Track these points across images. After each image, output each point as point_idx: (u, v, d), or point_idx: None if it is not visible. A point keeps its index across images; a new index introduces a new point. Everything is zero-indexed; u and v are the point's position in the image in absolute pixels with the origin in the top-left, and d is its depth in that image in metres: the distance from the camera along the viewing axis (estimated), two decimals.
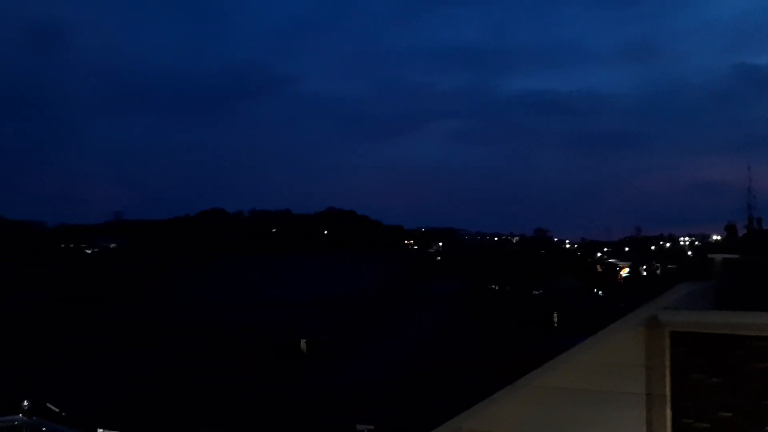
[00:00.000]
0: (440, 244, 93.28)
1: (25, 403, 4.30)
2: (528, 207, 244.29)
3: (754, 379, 6.92)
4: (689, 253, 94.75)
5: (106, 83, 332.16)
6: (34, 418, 4.23)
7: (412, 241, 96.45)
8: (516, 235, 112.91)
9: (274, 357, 21.99)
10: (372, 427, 18.02)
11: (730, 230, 19.77)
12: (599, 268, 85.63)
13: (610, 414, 8.79)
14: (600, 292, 53.85)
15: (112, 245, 75.98)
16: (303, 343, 24.30)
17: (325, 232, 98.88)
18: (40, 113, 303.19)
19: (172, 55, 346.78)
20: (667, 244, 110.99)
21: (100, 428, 23.68)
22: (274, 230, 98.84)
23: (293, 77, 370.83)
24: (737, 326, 7.11)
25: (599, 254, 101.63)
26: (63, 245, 74.31)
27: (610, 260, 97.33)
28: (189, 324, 24.53)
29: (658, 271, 70.24)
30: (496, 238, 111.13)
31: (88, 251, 73.86)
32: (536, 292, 49.69)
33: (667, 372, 7.78)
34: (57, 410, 23.84)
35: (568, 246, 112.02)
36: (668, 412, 7.71)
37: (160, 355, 23.44)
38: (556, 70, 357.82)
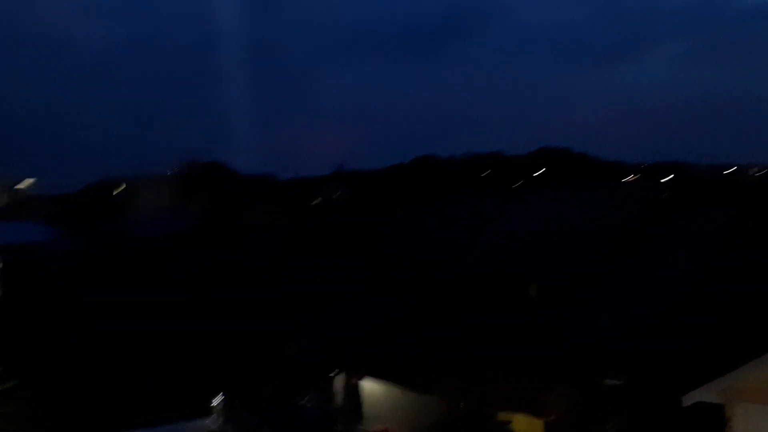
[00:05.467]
0: (671, 177, 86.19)
1: (217, 401, 3.12)
2: None
3: None
4: None
5: (326, 35, 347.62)
6: (228, 423, 3.07)
7: (633, 177, 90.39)
8: (756, 165, 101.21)
9: (520, 300, 21.30)
10: (621, 382, 16.68)
11: None
12: None
13: None
14: None
15: (336, 195, 79.97)
16: (534, 287, 23.31)
17: (539, 172, 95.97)
18: (261, 69, 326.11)
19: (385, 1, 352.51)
20: None
21: (332, 373, 24.73)
22: (487, 173, 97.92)
23: (505, 9, 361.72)
24: None
25: None
26: (292, 196, 79.54)
27: None
28: (425, 269, 24.62)
29: None
30: (733, 169, 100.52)
31: (314, 202, 78.34)
32: None
33: None
34: (293, 353, 25.18)
35: None
36: None
37: (402, 301, 23.84)
38: None
